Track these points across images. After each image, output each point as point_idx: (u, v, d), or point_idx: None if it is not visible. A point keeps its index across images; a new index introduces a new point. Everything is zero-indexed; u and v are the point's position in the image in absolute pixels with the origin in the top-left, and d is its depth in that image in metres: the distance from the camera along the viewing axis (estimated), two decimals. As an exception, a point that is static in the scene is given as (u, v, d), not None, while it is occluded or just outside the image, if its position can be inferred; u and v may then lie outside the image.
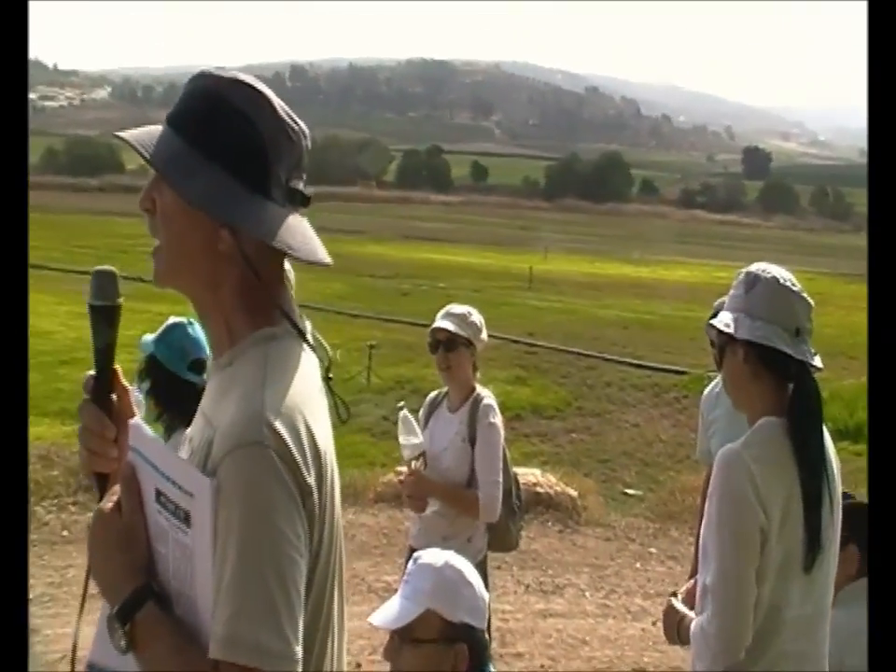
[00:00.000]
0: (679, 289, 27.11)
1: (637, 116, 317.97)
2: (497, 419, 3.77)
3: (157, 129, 1.40)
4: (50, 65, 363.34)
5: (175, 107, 1.41)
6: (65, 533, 6.67)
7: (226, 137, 1.35)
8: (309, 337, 1.43)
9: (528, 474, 7.90)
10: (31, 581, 5.85)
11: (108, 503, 1.37)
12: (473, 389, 3.81)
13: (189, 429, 1.48)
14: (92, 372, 1.47)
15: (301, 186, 1.42)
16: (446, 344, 3.75)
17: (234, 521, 1.22)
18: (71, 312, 16.79)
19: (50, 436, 8.77)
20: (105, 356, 1.46)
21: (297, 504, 1.25)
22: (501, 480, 3.71)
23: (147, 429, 1.41)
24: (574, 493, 8.15)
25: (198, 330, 3.25)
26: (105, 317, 1.46)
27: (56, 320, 15.96)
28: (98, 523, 1.36)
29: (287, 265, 1.46)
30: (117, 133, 1.39)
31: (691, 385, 12.86)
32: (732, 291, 2.34)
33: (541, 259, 32.70)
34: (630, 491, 9.35)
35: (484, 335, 3.83)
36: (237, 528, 1.21)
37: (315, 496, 1.29)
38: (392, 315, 18.44)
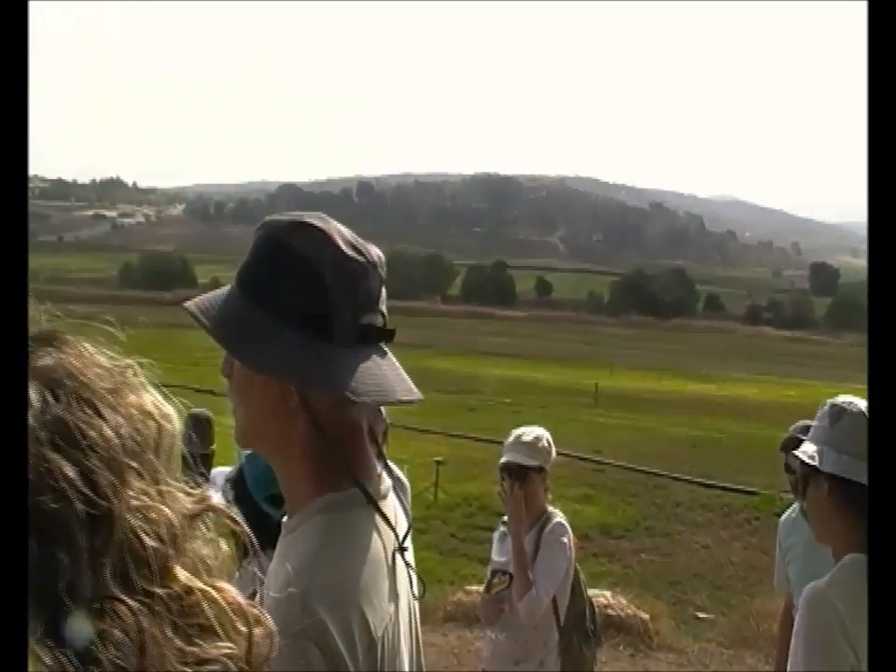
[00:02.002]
0: (747, 407, 26.79)
1: (701, 231, 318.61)
2: (567, 539, 3.78)
3: (222, 292, 1.35)
4: (130, 184, 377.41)
5: (243, 265, 1.33)
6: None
7: (288, 289, 1.28)
8: (389, 494, 1.37)
9: (599, 596, 7.82)
10: None
11: None
12: (544, 511, 3.84)
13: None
14: None
15: (377, 320, 1.32)
16: (518, 475, 3.77)
17: None
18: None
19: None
20: None
21: None
22: (551, 593, 3.70)
23: None
24: (645, 616, 8.03)
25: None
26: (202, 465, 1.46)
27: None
28: None
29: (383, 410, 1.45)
30: (185, 305, 1.35)
31: (762, 506, 12.66)
32: (816, 422, 2.32)
33: (607, 375, 32.63)
34: (702, 615, 9.16)
35: (554, 454, 3.87)
36: None
37: None
38: (459, 431, 18.49)
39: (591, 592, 4.26)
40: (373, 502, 1.32)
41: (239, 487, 3.29)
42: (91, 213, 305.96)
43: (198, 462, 1.45)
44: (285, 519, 1.36)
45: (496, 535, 4.03)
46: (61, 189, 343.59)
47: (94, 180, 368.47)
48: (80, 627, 0.69)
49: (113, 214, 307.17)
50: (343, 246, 1.29)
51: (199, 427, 1.34)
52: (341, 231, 1.31)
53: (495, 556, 3.94)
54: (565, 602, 3.81)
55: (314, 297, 1.27)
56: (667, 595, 9.74)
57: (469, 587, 8.15)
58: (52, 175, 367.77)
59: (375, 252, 1.34)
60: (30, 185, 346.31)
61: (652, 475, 15.46)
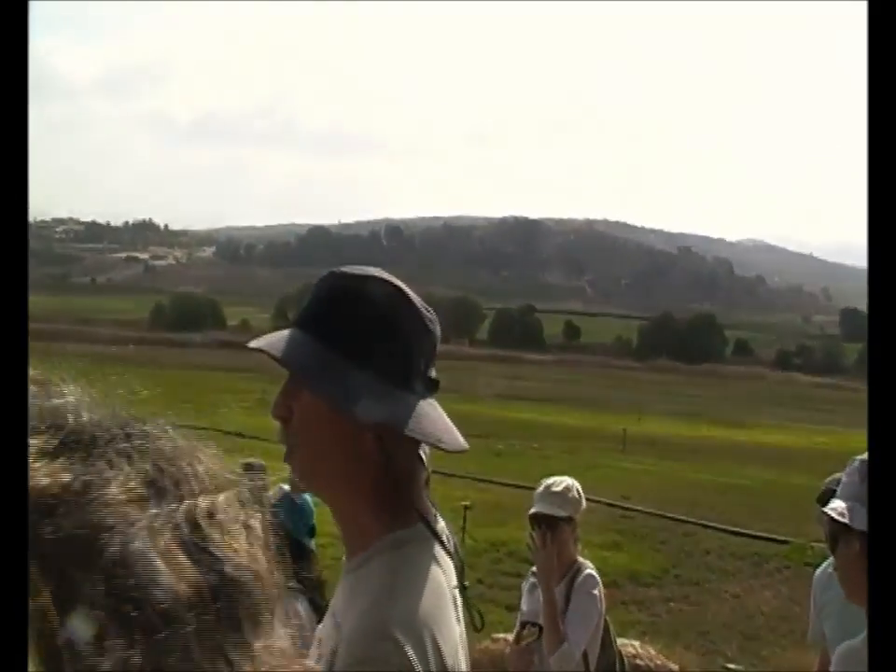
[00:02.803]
0: (777, 454, 26.53)
1: (730, 276, 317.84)
2: (598, 590, 3.73)
3: (285, 334, 1.39)
4: (162, 226, 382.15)
5: (309, 310, 1.39)
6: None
7: (367, 338, 1.34)
8: (444, 539, 1.40)
9: (627, 645, 7.70)
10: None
11: None
12: (575, 562, 3.79)
13: (319, 627, 1.45)
14: None
15: (434, 373, 1.41)
16: (548, 525, 3.72)
17: None
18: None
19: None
20: None
21: None
22: (583, 647, 3.64)
23: None
24: (675, 667, 7.89)
25: (303, 496, 3.39)
26: None
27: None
28: None
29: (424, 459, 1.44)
30: (251, 345, 1.39)
31: (792, 555, 12.48)
32: (845, 478, 2.27)
33: (635, 421, 32.45)
34: (732, 666, 9.01)
35: (584, 504, 3.85)
36: None
37: None
38: (486, 476, 18.41)
39: (619, 641, 4.19)
40: (439, 539, 1.38)
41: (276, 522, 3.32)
42: (123, 255, 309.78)
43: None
44: (344, 559, 1.42)
45: (525, 585, 3.98)
46: (95, 231, 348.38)
47: (127, 223, 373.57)
48: None
49: (145, 256, 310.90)
50: (417, 304, 1.39)
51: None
52: (411, 291, 1.40)
53: (524, 607, 3.89)
54: (595, 653, 3.76)
55: (393, 346, 1.35)
56: (697, 645, 9.59)
57: (495, 634, 8.04)
58: (86, 218, 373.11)
59: (433, 314, 1.43)
60: (64, 227, 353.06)
61: (681, 522, 15.29)
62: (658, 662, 7.97)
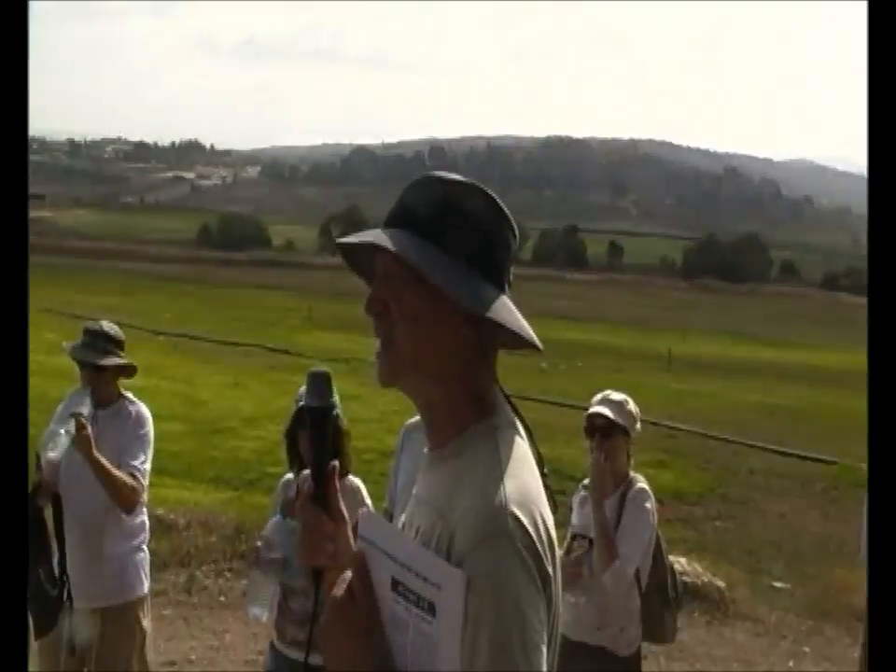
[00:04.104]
0: (824, 374, 26.31)
1: (777, 196, 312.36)
2: (650, 504, 3.72)
3: (379, 232, 1.43)
4: (207, 146, 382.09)
5: (412, 212, 1.45)
6: (223, 598, 6.87)
7: (472, 241, 1.43)
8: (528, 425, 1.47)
9: (674, 562, 7.74)
10: (191, 644, 6.08)
11: (340, 591, 1.40)
12: (627, 475, 3.79)
13: (404, 516, 1.52)
14: (308, 471, 1.53)
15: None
16: (604, 431, 3.72)
17: (486, 614, 1.24)
18: (223, 382, 17.43)
19: (207, 502, 9.07)
20: (321, 455, 1.52)
21: (541, 594, 1.28)
22: (636, 563, 3.65)
23: (382, 519, 1.46)
24: (721, 583, 7.93)
25: None
26: (322, 419, 1.54)
27: (209, 390, 16.56)
28: (334, 610, 1.39)
29: None
30: (340, 241, 1.47)
31: (840, 476, 12.42)
32: None
33: (680, 340, 32.27)
34: (778, 584, 9.03)
35: (639, 425, 3.83)
36: (489, 621, 1.24)
37: (553, 584, 1.32)
38: (529, 394, 18.45)
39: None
40: (528, 428, 1.45)
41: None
42: (170, 175, 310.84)
43: (320, 415, 1.53)
44: (428, 448, 1.49)
45: (575, 498, 3.98)
46: (142, 151, 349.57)
47: (173, 143, 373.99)
48: None
49: (191, 175, 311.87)
50: (508, 213, 1.49)
51: (317, 381, 1.39)
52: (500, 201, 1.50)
53: (575, 520, 3.89)
54: (647, 568, 3.76)
55: (493, 251, 1.46)
56: (743, 563, 9.60)
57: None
58: (134, 138, 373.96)
59: None
60: (113, 147, 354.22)
61: (727, 441, 15.25)
62: (705, 579, 8.01)
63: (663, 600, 3.83)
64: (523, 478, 1.35)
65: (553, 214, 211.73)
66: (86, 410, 3.76)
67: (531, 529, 1.29)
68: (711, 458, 14.06)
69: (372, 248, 1.44)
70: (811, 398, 21.60)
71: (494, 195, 1.48)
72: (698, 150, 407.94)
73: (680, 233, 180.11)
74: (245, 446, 12.11)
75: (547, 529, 1.33)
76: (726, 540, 10.46)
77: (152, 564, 4.24)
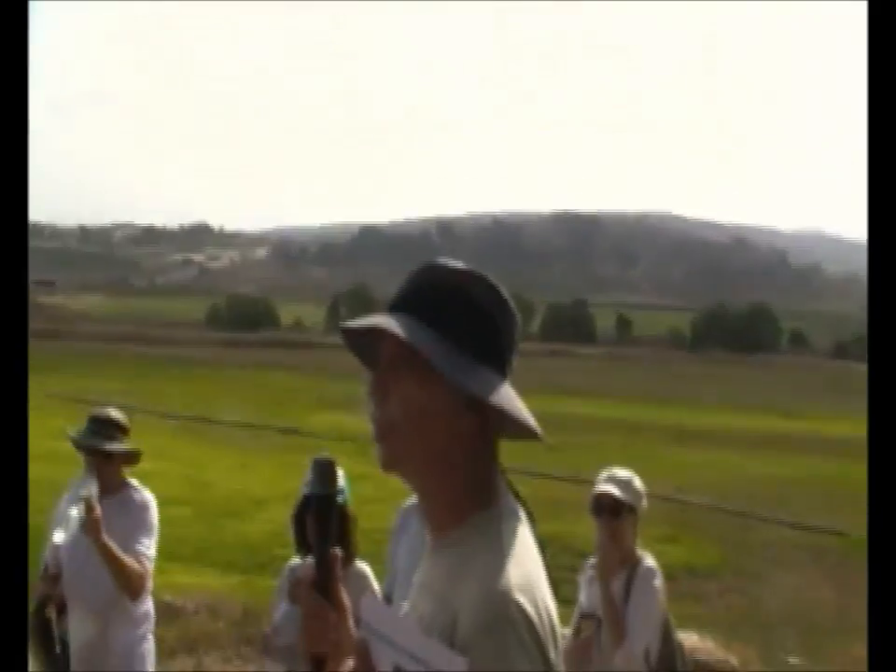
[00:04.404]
0: (837, 444, 26.09)
1: (785, 266, 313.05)
2: (659, 582, 3.72)
3: (384, 317, 1.46)
4: (217, 228, 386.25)
5: (416, 298, 1.48)
6: (230, 684, 6.82)
7: (474, 328, 1.45)
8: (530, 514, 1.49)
9: (686, 639, 7.63)
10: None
11: None
12: (634, 553, 3.78)
13: (407, 603, 1.51)
14: (310, 559, 1.54)
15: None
16: (611, 511, 3.73)
17: None
18: (232, 464, 17.38)
19: (216, 586, 9.02)
20: (324, 542, 1.53)
21: None
22: (645, 642, 3.63)
23: (384, 605, 1.46)
24: (734, 661, 7.82)
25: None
26: (326, 507, 1.55)
27: (218, 472, 16.51)
28: None
29: None
30: (344, 325, 1.50)
31: (854, 547, 12.28)
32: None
33: (690, 412, 32.14)
34: (794, 660, 8.89)
35: (645, 502, 3.84)
36: None
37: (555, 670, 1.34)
38: (539, 469, 18.34)
39: (679, 635, 4.17)
40: (531, 515, 1.49)
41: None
42: (179, 258, 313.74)
43: (324, 503, 1.54)
44: (428, 538, 1.51)
45: (583, 577, 3.97)
46: (151, 235, 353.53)
47: (182, 225, 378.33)
48: None
49: (200, 258, 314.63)
50: (510, 303, 1.52)
51: (322, 469, 1.39)
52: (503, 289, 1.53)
53: (583, 600, 3.89)
54: (655, 646, 3.74)
55: (495, 339, 1.48)
56: (757, 638, 9.45)
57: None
58: (143, 221, 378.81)
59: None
60: (122, 233, 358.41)
61: (739, 515, 15.11)
62: (718, 656, 7.90)
63: (672, 678, 3.81)
64: (525, 565, 1.36)
65: (561, 288, 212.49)
66: (94, 493, 3.79)
67: (534, 616, 1.30)
68: (723, 532, 13.91)
69: (376, 333, 1.46)
70: (823, 469, 21.42)
71: (496, 283, 1.50)
72: (705, 223, 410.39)
73: (689, 305, 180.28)
74: (254, 529, 12.05)
75: (549, 616, 1.34)
76: (739, 616, 10.30)
77: (160, 651, 4.23)
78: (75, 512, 3.67)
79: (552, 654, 1.32)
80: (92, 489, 3.78)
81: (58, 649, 3.87)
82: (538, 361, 67.39)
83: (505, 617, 1.27)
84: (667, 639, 3.80)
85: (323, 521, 1.55)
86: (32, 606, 3.97)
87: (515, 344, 1.53)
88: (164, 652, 6.60)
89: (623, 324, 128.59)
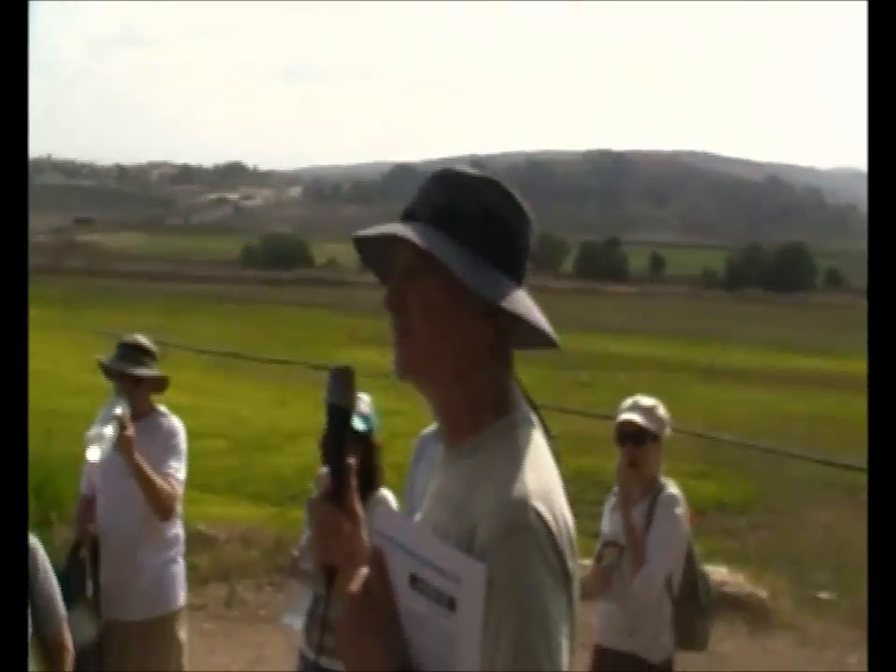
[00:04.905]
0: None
1: (820, 205, 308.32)
2: (680, 509, 3.71)
3: (398, 225, 1.44)
4: (251, 167, 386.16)
5: (432, 205, 1.45)
6: (262, 612, 6.93)
7: (489, 233, 1.42)
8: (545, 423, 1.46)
9: (715, 572, 7.67)
10: (231, 658, 6.14)
11: (356, 588, 1.37)
12: (656, 481, 3.78)
13: (420, 513, 1.49)
14: (325, 469, 1.49)
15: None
16: (635, 439, 3.73)
17: (508, 608, 1.23)
18: (266, 399, 17.57)
19: (247, 517, 9.15)
20: (339, 452, 1.48)
21: (564, 590, 1.27)
22: (666, 568, 3.64)
23: (399, 514, 1.45)
24: (764, 594, 7.85)
25: None
26: (341, 416, 1.49)
27: (252, 407, 16.68)
28: (350, 608, 1.35)
29: None
30: (358, 234, 1.48)
31: (887, 485, 12.22)
32: None
33: (723, 351, 31.97)
34: (824, 595, 8.90)
35: (669, 430, 3.83)
36: (512, 616, 1.23)
37: (574, 581, 1.31)
38: (571, 406, 18.37)
39: (707, 568, 4.18)
40: (544, 424, 1.46)
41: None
42: (214, 196, 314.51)
43: (341, 413, 1.48)
44: (444, 446, 1.49)
45: (606, 505, 3.98)
46: (186, 174, 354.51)
47: (217, 165, 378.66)
48: None
49: (234, 197, 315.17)
50: (525, 207, 1.48)
51: (339, 379, 1.32)
52: (518, 194, 1.50)
53: (605, 527, 3.90)
54: (678, 574, 3.75)
55: (511, 245, 1.45)
56: (786, 573, 9.47)
57: (582, 562, 8.09)
58: (179, 161, 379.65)
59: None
60: (159, 171, 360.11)
61: (770, 452, 15.08)
62: (747, 589, 7.94)
63: (694, 607, 3.81)
64: (543, 473, 1.35)
65: (593, 227, 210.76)
66: (126, 413, 3.82)
67: (553, 524, 1.28)
68: (754, 468, 13.90)
69: (390, 242, 1.44)
70: (856, 406, 21.24)
71: (511, 189, 1.47)
72: (739, 160, 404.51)
73: (723, 244, 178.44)
74: (287, 462, 12.18)
75: (567, 525, 1.32)
76: (770, 551, 10.32)
77: (193, 578, 4.30)
78: (109, 430, 3.69)
79: (569, 563, 1.30)
80: (125, 409, 3.81)
81: (89, 591, 3.91)
82: (570, 299, 67.23)
83: (524, 524, 1.26)
84: (690, 568, 3.81)
85: (339, 431, 1.49)
86: (67, 548, 4.04)
87: (530, 249, 1.48)
88: (197, 580, 6.74)
89: (656, 262, 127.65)
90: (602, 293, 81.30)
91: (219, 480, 10.81)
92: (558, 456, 1.44)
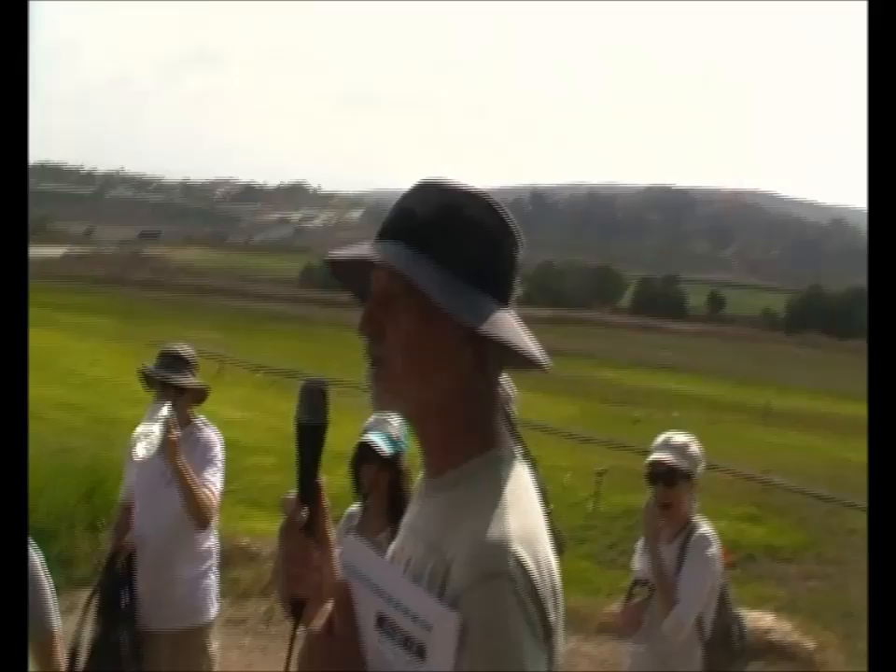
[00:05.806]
0: (932, 435, 25.30)
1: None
2: (713, 550, 3.63)
3: (371, 246, 1.34)
4: (313, 188, 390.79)
5: (406, 219, 1.34)
6: (301, 629, 6.92)
7: (472, 251, 1.31)
8: (531, 459, 1.43)
9: (761, 619, 7.52)
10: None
11: (319, 626, 1.26)
12: (688, 521, 3.70)
13: (394, 545, 1.42)
14: (293, 493, 1.40)
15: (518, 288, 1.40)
16: (665, 478, 3.67)
17: (481, 663, 1.13)
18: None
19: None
20: (310, 474, 1.40)
21: (543, 644, 1.18)
22: (696, 610, 3.56)
23: (368, 547, 1.32)
24: (811, 645, 7.66)
25: None
26: (313, 436, 1.40)
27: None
28: (311, 647, 1.25)
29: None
30: (331, 255, 1.39)
31: (945, 541, 11.90)
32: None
33: (780, 394, 31.49)
34: (874, 649, 8.65)
35: (702, 466, 3.74)
36: (485, 668, 1.14)
37: (555, 635, 1.22)
38: (623, 442, 18.19)
39: (754, 614, 4.09)
40: (532, 460, 1.43)
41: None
42: (276, 216, 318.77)
43: (313, 432, 1.40)
44: (423, 479, 1.40)
45: (638, 544, 3.93)
46: (250, 192, 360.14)
47: (280, 184, 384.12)
48: None
49: (297, 217, 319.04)
50: (510, 222, 1.36)
51: (312, 396, 1.26)
52: (503, 207, 1.37)
53: (636, 566, 3.85)
54: (710, 616, 3.67)
55: (496, 262, 1.33)
56: (837, 625, 9.24)
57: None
58: (244, 179, 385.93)
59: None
60: (223, 189, 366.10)
61: (824, 499, 14.76)
62: (793, 638, 7.75)
63: (726, 651, 3.73)
64: (527, 515, 1.25)
65: (653, 263, 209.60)
66: (173, 415, 3.81)
67: (534, 572, 1.18)
68: (807, 515, 13.62)
69: (366, 263, 1.35)
70: (917, 458, 20.79)
71: (497, 203, 1.35)
72: (802, 202, 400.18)
73: (784, 286, 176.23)
74: (334, 482, 12.11)
75: (551, 573, 1.23)
76: (820, 601, 10.08)
77: (235, 593, 4.29)
78: (156, 429, 3.68)
79: (551, 614, 1.20)
80: (171, 412, 3.81)
81: (125, 602, 3.92)
82: (627, 334, 66.74)
83: (502, 569, 1.16)
84: (723, 610, 3.73)
85: (308, 450, 1.39)
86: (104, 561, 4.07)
87: (518, 270, 1.36)
88: (239, 594, 6.76)
89: (716, 301, 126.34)
90: (659, 330, 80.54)
91: (268, 496, 10.84)
92: (546, 496, 1.40)
